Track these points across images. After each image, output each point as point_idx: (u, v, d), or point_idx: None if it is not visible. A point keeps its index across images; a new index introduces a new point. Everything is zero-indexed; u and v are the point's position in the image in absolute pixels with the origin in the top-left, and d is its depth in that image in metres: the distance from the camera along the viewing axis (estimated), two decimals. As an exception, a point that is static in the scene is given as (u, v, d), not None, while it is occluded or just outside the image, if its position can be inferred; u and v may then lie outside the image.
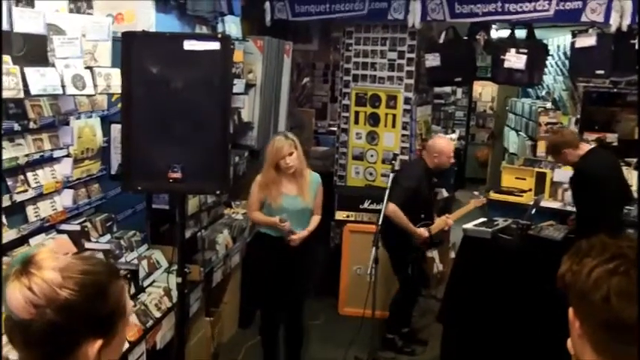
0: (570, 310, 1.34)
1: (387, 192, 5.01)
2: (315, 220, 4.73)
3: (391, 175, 5.10)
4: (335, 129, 7.56)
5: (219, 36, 3.57)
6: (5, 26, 3.11)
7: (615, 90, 7.07)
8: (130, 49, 3.43)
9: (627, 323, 1.22)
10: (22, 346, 1.34)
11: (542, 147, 7.21)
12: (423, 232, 5.33)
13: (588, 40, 5.85)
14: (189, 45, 3.43)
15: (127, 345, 3.56)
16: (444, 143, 5.46)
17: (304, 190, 4.60)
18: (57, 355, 1.34)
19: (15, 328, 1.33)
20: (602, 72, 5.88)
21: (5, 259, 3.30)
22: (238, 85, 5.47)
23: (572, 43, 6.04)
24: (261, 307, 4.93)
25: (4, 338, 1.37)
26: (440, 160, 5.36)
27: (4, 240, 3.28)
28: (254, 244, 4.94)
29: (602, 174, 4.71)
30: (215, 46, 3.47)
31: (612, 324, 1.24)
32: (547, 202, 6.23)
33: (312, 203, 4.66)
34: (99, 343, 1.38)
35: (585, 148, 4.85)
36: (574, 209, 5.91)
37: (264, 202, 4.61)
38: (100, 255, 3.83)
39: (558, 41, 8.21)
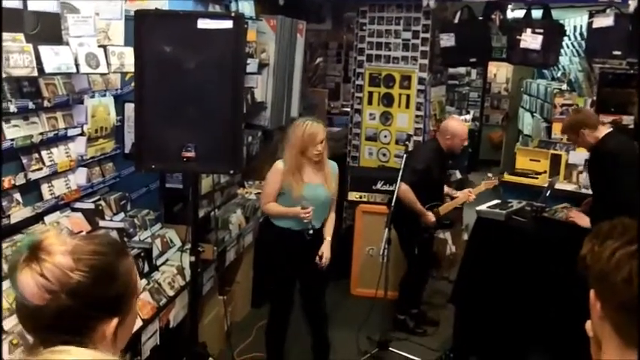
0: (591, 292, 1.33)
1: (401, 172, 5.00)
2: (332, 221, 4.57)
3: (404, 155, 5.09)
4: (348, 109, 7.53)
5: (233, 14, 3.55)
6: (19, 4, 3.11)
7: (632, 71, 6.98)
8: (143, 27, 3.43)
9: None
10: (37, 332, 1.34)
11: (557, 129, 7.14)
12: (430, 216, 5.31)
13: (606, 21, 5.77)
14: (202, 23, 3.42)
15: (140, 323, 3.58)
16: (458, 126, 5.43)
17: (328, 179, 4.42)
18: (73, 338, 1.33)
19: (29, 315, 1.32)
20: (619, 53, 5.81)
21: (20, 236, 3.33)
22: (251, 65, 5.45)
23: (590, 24, 5.96)
24: (274, 305, 4.67)
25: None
26: (453, 143, 5.35)
27: (19, 218, 3.30)
28: (269, 240, 4.62)
29: (621, 157, 4.64)
30: (228, 24, 3.46)
31: (633, 306, 1.24)
32: (562, 185, 6.18)
33: (332, 193, 4.48)
34: (115, 321, 1.39)
35: (603, 130, 4.78)
36: (589, 192, 5.88)
37: (280, 193, 4.41)
38: (114, 233, 3.85)
39: (575, 22, 8.11)
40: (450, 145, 5.36)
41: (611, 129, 4.84)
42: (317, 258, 4.40)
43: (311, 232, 4.31)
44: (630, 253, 1.26)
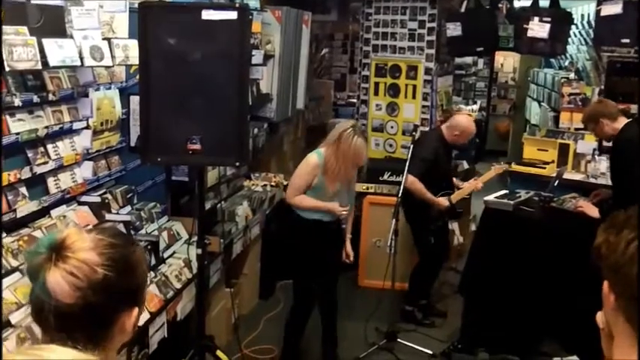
0: (605, 284, 1.30)
1: (407, 163, 4.99)
2: (352, 215, 4.81)
3: (411, 146, 5.07)
4: (354, 100, 7.51)
5: (237, 5, 3.53)
6: (23, -3, 3.10)
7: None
8: (147, 19, 3.40)
9: None
10: (59, 332, 1.33)
11: (564, 118, 7.11)
12: (443, 201, 5.30)
13: (614, 8, 5.72)
14: (206, 15, 3.40)
15: (147, 315, 3.58)
16: (469, 124, 5.41)
17: (352, 181, 4.68)
18: (97, 333, 1.35)
19: (54, 315, 1.31)
20: (627, 41, 5.77)
21: (26, 230, 3.33)
22: (256, 57, 5.43)
23: (598, 11, 5.91)
24: (301, 296, 4.69)
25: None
26: (458, 139, 5.38)
27: (25, 212, 3.30)
28: (299, 233, 4.58)
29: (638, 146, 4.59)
30: (232, 15, 3.44)
31: None
32: (570, 174, 6.15)
33: (354, 189, 4.78)
34: (135, 311, 1.41)
35: (622, 122, 4.74)
36: (597, 182, 5.85)
37: (308, 188, 4.44)
38: (121, 226, 3.85)
39: (583, 10, 8.06)
40: (455, 140, 5.37)
41: (629, 120, 4.79)
42: (344, 256, 4.68)
43: (344, 226, 4.64)
44: None
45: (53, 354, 1.08)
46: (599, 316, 1.34)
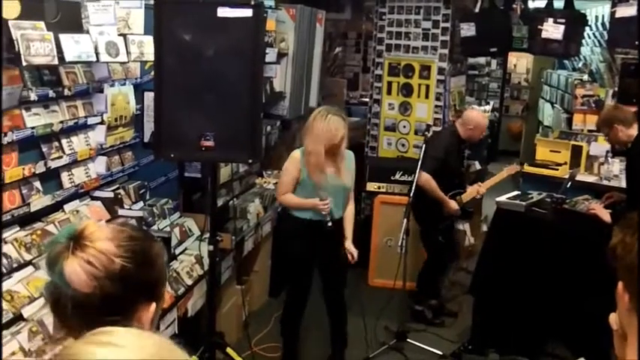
0: (619, 284, 1.29)
1: (419, 162, 4.99)
2: (352, 216, 4.57)
3: (423, 145, 5.08)
4: (367, 99, 7.51)
5: (252, 3, 3.54)
6: (40, -7, 3.12)
7: (654, 62, 6.89)
8: (162, 15, 3.42)
9: None
10: (77, 323, 1.33)
11: (577, 120, 7.08)
12: (453, 204, 5.30)
13: (628, 10, 5.69)
14: (222, 12, 3.41)
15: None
16: (481, 118, 5.44)
17: (341, 169, 4.37)
18: (114, 325, 1.34)
19: (72, 305, 1.32)
20: (638, 43, 5.73)
21: (39, 224, 3.35)
22: (270, 54, 5.44)
23: (612, 13, 5.88)
24: (291, 295, 4.67)
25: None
26: (473, 133, 5.38)
27: (39, 206, 3.32)
28: (288, 231, 4.58)
29: None
30: (247, 13, 3.45)
31: None
32: (582, 176, 6.11)
33: (349, 182, 4.46)
34: (153, 307, 1.41)
35: (636, 129, 4.72)
36: (610, 184, 5.82)
37: (296, 184, 4.35)
38: (133, 222, 3.86)
39: (597, 11, 8.02)
40: (471, 135, 5.38)
41: None
42: (349, 257, 4.45)
43: (330, 223, 4.26)
44: None
45: (115, 337, 1.04)
46: (613, 318, 1.33)
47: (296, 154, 4.36)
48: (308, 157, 4.26)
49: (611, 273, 1.31)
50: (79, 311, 1.32)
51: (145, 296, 1.40)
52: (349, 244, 4.48)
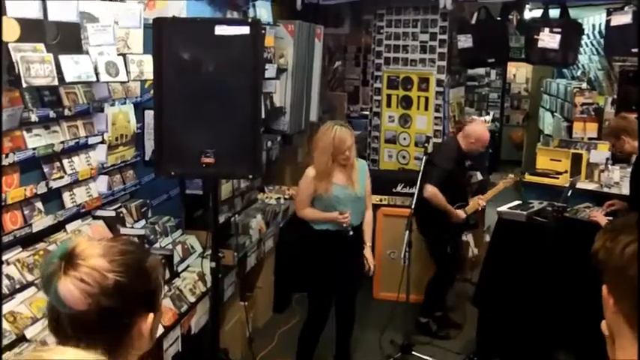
0: (604, 288, 1.33)
1: (420, 174, 5.00)
2: (370, 222, 4.66)
3: (424, 157, 5.08)
4: (367, 113, 7.53)
5: (250, 20, 3.56)
6: (39, 15, 3.14)
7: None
8: (161, 34, 3.45)
9: None
10: (77, 340, 1.34)
11: (577, 128, 7.10)
12: (460, 213, 5.31)
13: (624, 18, 5.72)
14: (220, 30, 3.44)
15: (161, 329, 3.60)
16: (483, 131, 5.43)
17: (353, 179, 4.43)
18: (115, 340, 1.37)
19: (70, 323, 1.34)
20: (637, 50, 5.76)
21: (42, 244, 3.36)
22: (270, 70, 5.47)
23: (608, 21, 5.91)
24: (314, 308, 4.65)
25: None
26: (475, 147, 5.37)
27: (41, 227, 3.33)
28: (310, 243, 4.56)
29: None
30: (245, 30, 3.48)
31: None
32: (583, 184, 6.12)
33: (363, 191, 4.52)
34: (151, 317, 1.43)
35: None
36: (611, 191, 5.82)
37: (314, 198, 4.42)
38: (135, 240, 3.87)
39: (593, 20, 8.05)
40: (473, 148, 5.37)
41: None
42: (366, 267, 4.51)
43: (351, 232, 4.36)
44: None
45: (55, 354, 1.10)
46: (604, 324, 1.35)
47: (310, 172, 4.42)
48: (321, 169, 4.34)
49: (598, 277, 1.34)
50: (78, 329, 1.34)
51: (142, 308, 1.41)
52: (368, 252, 4.56)
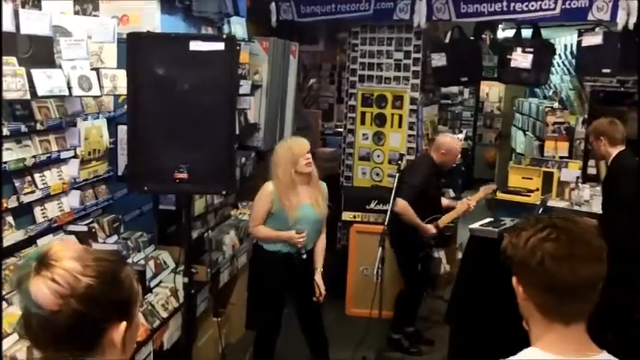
0: (514, 279, 1.58)
1: (394, 190, 5.02)
2: (324, 246, 4.57)
3: (397, 174, 5.12)
4: (341, 130, 7.57)
5: (225, 37, 3.58)
6: (12, 28, 3.13)
7: (622, 89, 7.05)
8: (135, 49, 3.45)
9: (560, 282, 1.47)
10: (48, 344, 1.35)
11: (549, 147, 7.20)
12: (430, 228, 5.34)
13: (595, 39, 5.83)
14: (194, 45, 3.45)
15: (134, 345, 3.56)
16: (452, 142, 5.48)
17: (318, 199, 4.39)
18: (85, 347, 1.37)
19: (41, 325, 1.34)
20: (608, 70, 5.88)
21: (12, 259, 3.32)
22: (244, 86, 5.48)
23: (579, 42, 6.02)
24: (261, 329, 4.66)
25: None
26: (447, 158, 5.41)
27: (12, 241, 3.30)
28: (260, 264, 4.56)
29: (629, 174, 4.68)
30: (220, 46, 3.49)
31: (548, 284, 1.49)
32: (554, 202, 6.21)
33: (324, 214, 4.47)
34: (123, 326, 1.42)
35: (619, 149, 4.83)
36: (581, 209, 5.90)
37: (268, 216, 4.36)
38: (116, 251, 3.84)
39: (565, 40, 8.20)
40: (445, 160, 5.41)
41: (623, 149, 4.88)
42: (315, 292, 4.43)
43: (305, 255, 4.31)
44: (541, 238, 1.50)
45: None
46: (524, 323, 1.63)
47: (268, 186, 4.37)
48: (279, 185, 4.28)
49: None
50: (49, 333, 1.33)
51: (114, 315, 1.40)
52: (319, 277, 4.48)
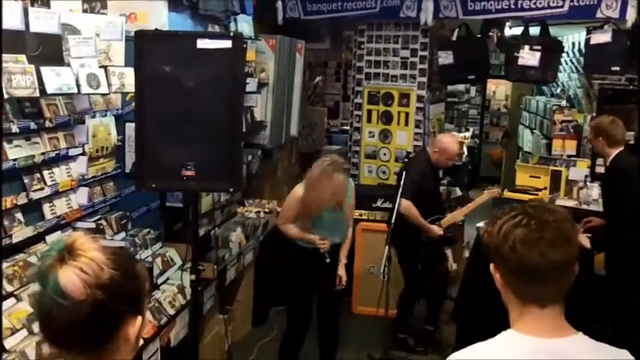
0: (491, 265, 1.64)
1: (400, 189, 5.02)
2: (349, 239, 4.76)
3: (403, 172, 5.12)
4: (347, 128, 7.57)
5: (231, 34, 3.58)
6: (21, 26, 3.14)
7: (631, 87, 7.02)
8: (142, 47, 3.45)
9: (530, 266, 1.53)
10: (63, 337, 1.36)
11: (556, 145, 7.17)
12: (435, 228, 5.32)
13: (603, 37, 5.81)
14: (201, 44, 3.45)
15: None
16: (449, 143, 5.40)
17: (342, 202, 4.51)
18: (101, 341, 1.38)
19: (62, 316, 1.34)
20: (617, 68, 5.86)
21: (22, 255, 3.34)
22: (251, 84, 5.49)
23: (587, 40, 6.00)
24: (293, 321, 4.73)
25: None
26: (440, 157, 5.35)
27: (21, 237, 3.31)
28: (289, 256, 4.68)
29: (630, 175, 4.64)
30: (227, 44, 3.49)
31: (520, 269, 1.55)
32: (562, 201, 6.19)
33: (348, 212, 4.66)
34: (139, 320, 1.44)
35: (618, 150, 4.80)
36: (590, 208, 5.88)
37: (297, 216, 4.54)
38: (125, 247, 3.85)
39: (573, 38, 8.17)
40: (438, 159, 5.36)
41: (622, 148, 4.84)
42: (337, 280, 4.59)
43: (328, 260, 4.45)
44: (514, 224, 1.55)
45: None
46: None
47: (298, 191, 4.51)
48: (306, 196, 4.42)
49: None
50: (67, 322, 1.34)
51: (131, 308, 1.42)
52: (342, 269, 4.63)
